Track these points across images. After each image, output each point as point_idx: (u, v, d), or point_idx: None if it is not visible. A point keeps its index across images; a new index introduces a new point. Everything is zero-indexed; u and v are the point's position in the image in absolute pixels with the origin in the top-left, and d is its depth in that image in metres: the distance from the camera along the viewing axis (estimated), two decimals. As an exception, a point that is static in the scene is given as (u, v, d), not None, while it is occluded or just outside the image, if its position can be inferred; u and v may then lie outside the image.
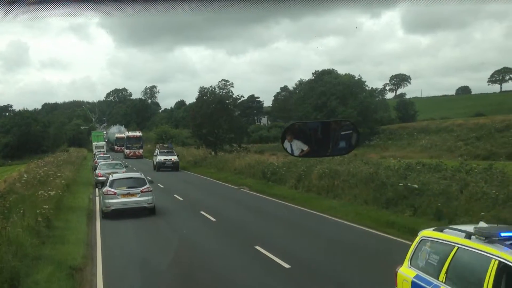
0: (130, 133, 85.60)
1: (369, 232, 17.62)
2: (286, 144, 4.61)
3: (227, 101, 57.91)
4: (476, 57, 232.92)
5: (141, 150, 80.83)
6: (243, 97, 60.43)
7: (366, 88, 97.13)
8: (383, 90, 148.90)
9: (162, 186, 36.47)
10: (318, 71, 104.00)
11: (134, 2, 4.40)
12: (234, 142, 57.67)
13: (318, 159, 30.49)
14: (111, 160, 46.21)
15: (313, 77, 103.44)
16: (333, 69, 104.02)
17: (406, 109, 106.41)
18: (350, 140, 4.68)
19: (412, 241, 14.30)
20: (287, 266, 13.09)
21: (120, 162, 43.73)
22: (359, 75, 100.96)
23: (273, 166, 34.46)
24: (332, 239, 16.94)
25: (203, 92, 60.51)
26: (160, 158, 52.71)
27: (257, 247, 15.30)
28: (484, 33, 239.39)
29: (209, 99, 58.35)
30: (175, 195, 30.40)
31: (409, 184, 19.17)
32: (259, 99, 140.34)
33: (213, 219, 21.34)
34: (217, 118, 57.03)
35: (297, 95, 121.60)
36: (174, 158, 53.13)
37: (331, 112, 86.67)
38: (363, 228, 18.24)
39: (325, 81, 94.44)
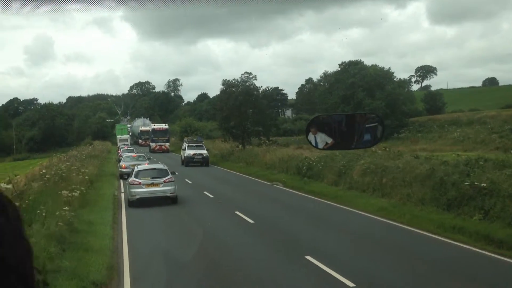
0: (156, 126, 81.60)
1: (436, 239, 15.23)
2: (311, 137, 4.49)
3: (255, 92, 55.57)
4: (503, 48, 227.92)
5: (167, 144, 77.23)
6: (272, 88, 57.94)
7: (395, 79, 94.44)
8: (408, 82, 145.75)
9: (190, 182, 34.54)
10: (345, 62, 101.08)
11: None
12: (263, 135, 55.30)
13: (359, 153, 28.34)
14: (135, 153, 46.21)
15: (339, 69, 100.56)
16: (360, 60, 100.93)
17: (434, 101, 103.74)
18: (375, 132, 4.53)
19: (491, 251, 11.89)
20: (351, 284, 10.85)
21: (143, 154, 44.66)
22: (389, 67, 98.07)
23: (308, 161, 32.14)
24: (396, 248, 14.53)
25: (229, 83, 58.47)
26: (189, 152, 49.09)
27: (308, 258, 13.08)
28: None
29: (237, 91, 56.07)
30: (205, 192, 28.36)
31: (476, 182, 16.71)
32: (283, 91, 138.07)
33: (251, 221, 19.12)
34: (245, 110, 54.79)
35: (322, 87, 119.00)
36: (204, 152, 49.74)
37: (359, 104, 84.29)
38: (426, 234, 15.84)
39: (354, 72, 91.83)
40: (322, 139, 4.45)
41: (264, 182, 34.32)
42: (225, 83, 57.95)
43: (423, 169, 20.59)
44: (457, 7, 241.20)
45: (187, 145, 51.03)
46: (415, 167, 21.51)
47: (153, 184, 23.80)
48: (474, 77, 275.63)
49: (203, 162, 48.86)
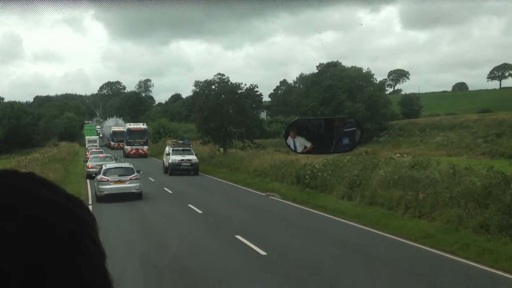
0: (132, 126, 69.59)
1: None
2: (290, 141, 4.26)
3: (239, 91, 50.69)
4: (473, 53, 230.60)
5: (145, 147, 66.04)
6: (257, 87, 52.97)
7: (375, 82, 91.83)
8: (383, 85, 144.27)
9: (170, 192, 29.76)
10: (322, 64, 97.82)
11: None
12: (246, 137, 50.36)
13: (374, 161, 24.02)
14: (102, 154, 45.63)
15: (317, 70, 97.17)
16: (338, 61, 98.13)
17: (411, 104, 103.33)
18: (353, 137, 4.37)
19: None
20: None
21: (110, 155, 44.68)
22: (368, 68, 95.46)
23: (312, 169, 27.49)
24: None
25: (208, 82, 53.92)
26: (175, 158, 40.39)
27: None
28: (482, 29, 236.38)
29: (218, 88, 51.25)
30: (191, 206, 23.57)
31: None
32: (258, 93, 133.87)
33: (262, 252, 14.27)
34: (227, 110, 49.94)
35: (298, 89, 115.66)
36: (192, 158, 41.18)
37: (339, 107, 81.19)
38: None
39: (332, 74, 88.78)
40: (301, 143, 4.21)
41: (257, 192, 29.66)
42: (198, 84, 53.49)
43: (476, 183, 16.16)
44: (430, 12, 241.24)
45: (172, 149, 42.07)
46: (462, 180, 17.11)
47: (120, 181, 25.58)
48: (444, 82, 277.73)
49: (192, 170, 40.63)
